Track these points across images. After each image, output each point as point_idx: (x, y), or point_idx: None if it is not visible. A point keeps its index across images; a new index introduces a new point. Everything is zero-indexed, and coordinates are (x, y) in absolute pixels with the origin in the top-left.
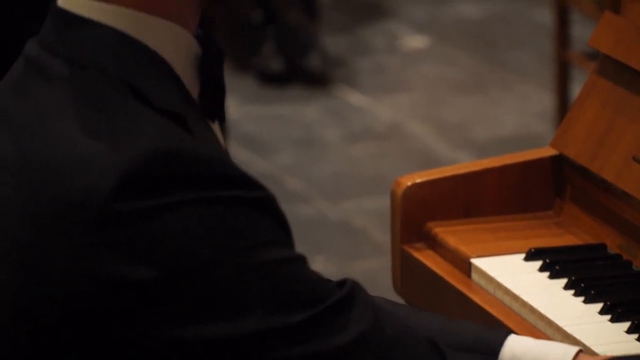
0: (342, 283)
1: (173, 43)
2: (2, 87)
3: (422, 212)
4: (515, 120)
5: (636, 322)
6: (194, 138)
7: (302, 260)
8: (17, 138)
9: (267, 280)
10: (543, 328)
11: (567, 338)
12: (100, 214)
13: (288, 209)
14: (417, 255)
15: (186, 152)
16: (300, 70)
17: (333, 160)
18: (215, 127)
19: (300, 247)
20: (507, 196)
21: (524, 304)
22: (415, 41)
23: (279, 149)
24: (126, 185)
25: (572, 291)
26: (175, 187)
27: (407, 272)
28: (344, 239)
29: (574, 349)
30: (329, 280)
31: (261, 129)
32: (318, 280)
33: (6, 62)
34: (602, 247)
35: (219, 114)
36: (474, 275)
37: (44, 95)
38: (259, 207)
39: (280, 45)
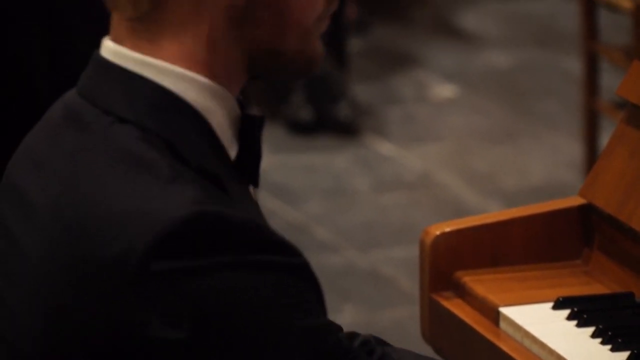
0: (367, 342)
1: (215, 104)
2: (39, 133)
3: (450, 261)
4: (544, 169)
5: None
6: (230, 200)
7: (333, 326)
8: (51, 189)
9: (299, 346)
10: None
11: None
12: (136, 273)
13: (317, 258)
14: (446, 304)
15: (223, 215)
16: (330, 120)
17: (362, 210)
18: (252, 191)
19: (329, 296)
20: (535, 245)
21: (552, 352)
22: (444, 90)
23: (308, 198)
24: (163, 245)
25: (599, 339)
26: (211, 250)
27: (436, 321)
28: (372, 288)
29: None
30: (357, 345)
31: (290, 178)
32: (348, 347)
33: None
34: (630, 295)
35: (254, 179)
36: (502, 324)
37: (82, 147)
38: (294, 273)
39: (310, 95)
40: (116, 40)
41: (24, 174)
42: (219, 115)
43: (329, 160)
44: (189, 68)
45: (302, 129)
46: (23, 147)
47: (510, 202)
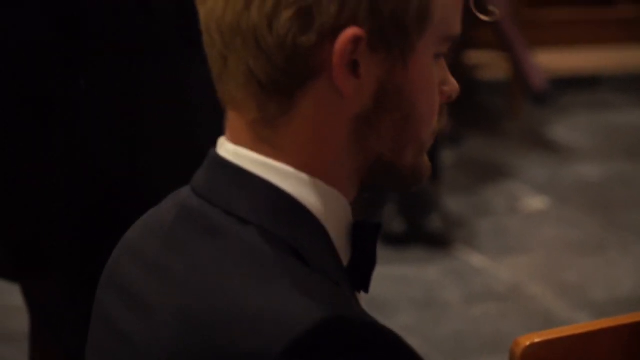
0: None
1: (331, 208)
2: (148, 234)
3: None
4: (633, 280)
5: None
6: (352, 304)
7: None
8: (173, 291)
9: None
10: None
11: None
12: None
13: None
14: None
15: (353, 318)
16: (421, 231)
17: (453, 321)
18: (359, 297)
19: None
20: (623, 355)
21: None
22: (535, 202)
23: (399, 309)
24: (299, 348)
25: None
26: (342, 354)
27: None
28: None
29: None
30: None
31: (382, 289)
32: None
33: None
34: None
35: (365, 286)
36: None
37: (204, 247)
38: None
39: (402, 207)
40: (234, 140)
41: (133, 273)
42: (335, 221)
43: (420, 272)
44: (310, 173)
45: (394, 241)
46: (127, 247)
47: (599, 313)
